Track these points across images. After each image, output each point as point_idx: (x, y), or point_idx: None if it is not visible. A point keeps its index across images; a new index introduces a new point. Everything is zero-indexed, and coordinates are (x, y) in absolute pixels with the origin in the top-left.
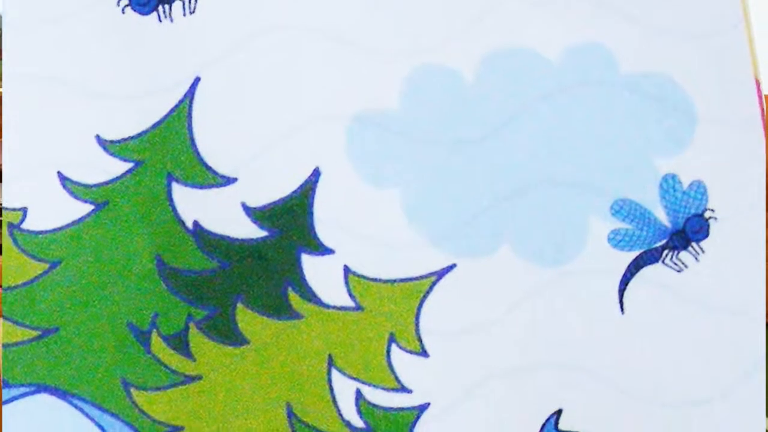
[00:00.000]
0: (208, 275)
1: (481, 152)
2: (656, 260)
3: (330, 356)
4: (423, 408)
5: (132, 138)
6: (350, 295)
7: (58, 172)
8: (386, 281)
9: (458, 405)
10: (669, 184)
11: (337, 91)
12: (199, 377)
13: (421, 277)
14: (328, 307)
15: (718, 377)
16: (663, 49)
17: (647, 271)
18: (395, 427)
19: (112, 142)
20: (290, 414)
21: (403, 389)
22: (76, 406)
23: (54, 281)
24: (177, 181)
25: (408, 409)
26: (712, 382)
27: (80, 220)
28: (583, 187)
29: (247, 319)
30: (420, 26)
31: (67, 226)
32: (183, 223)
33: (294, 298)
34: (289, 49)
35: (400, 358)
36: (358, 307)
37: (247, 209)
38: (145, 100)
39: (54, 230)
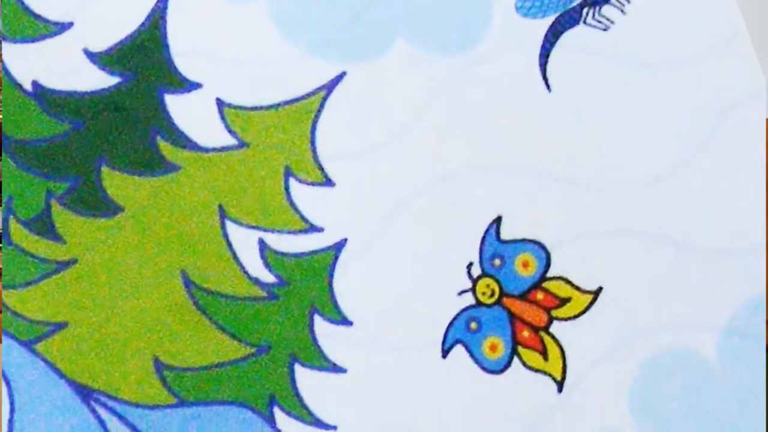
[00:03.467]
0: (60, 141)
1: None
2: (576, 22)
3: (221, 207)
4: (340, 246)
5: None
6: (230, 131)
7: None
8: (269, 107)
9: (380, 235)
10: None
11: None
12: (73, 261)
13: (309, 95)
14: (207, 150)
15: (674, 151)
16: None
17: (568, 37)
18: (312, 273)
19: None
20: (187, 283)
21: (313, 228)
22: None
23: None
24: (4, 38)
25: (323, 250)
26: (665, 157)
27: None
28: None
29: (115, 183)
30: None
31: None
32: (20, 86)
33: (165, 147)
34: None
35: (302, 193)
36: (242, 144)
37: (91, 55)
38: None
39: None
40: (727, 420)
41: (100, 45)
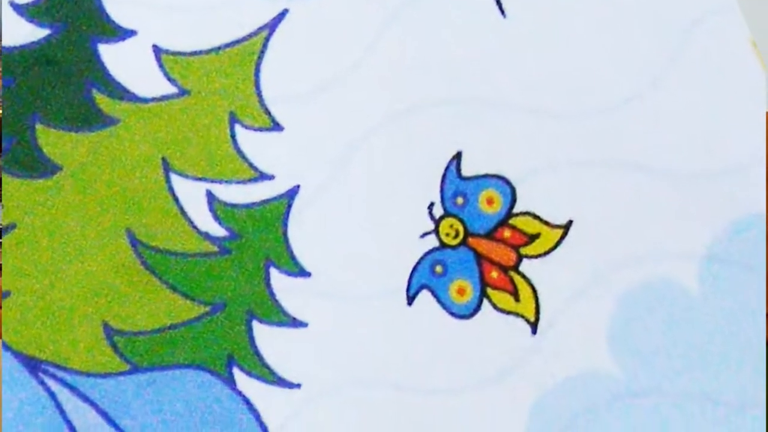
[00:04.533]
0: None
1: None
2: None
3: (164, 160)
4: (292, 194)
5: None
6: (169, 79)
7: None
8: (209, 52)
9: (334, 179)
10: None
11: None
12: (12, 226)
13: (250, 36)
14: (146, 101)
15: (641, 72)
16: None
17: None
18: (265, 224)
19: None
20: (134, 242)
21: (263, 176)
22: None
23: None
24: None
25: (274, 199)
26: (631, 78)
27: None
28: None
29: (51, 140)
30: None
31: None
32: None
33: (102, 100)
34: None
35: (249, 140)
36: (183, 92)
37: (17, 8)
38: None
39: None
40: (714, 352)
41: None
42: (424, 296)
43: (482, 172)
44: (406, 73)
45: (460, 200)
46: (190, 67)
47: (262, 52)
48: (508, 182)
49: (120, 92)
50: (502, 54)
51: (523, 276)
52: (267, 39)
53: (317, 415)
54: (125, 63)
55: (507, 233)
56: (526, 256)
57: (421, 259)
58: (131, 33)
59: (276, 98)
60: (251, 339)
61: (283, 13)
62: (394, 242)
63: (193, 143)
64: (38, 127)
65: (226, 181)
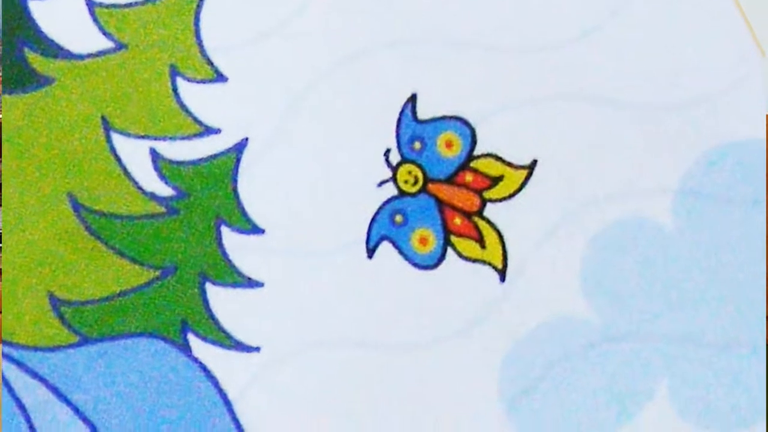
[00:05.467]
0: None
1: None
2: None
3: (104, 119)
4: (240, 147)
5: None
6: (105, 34)
7: None
8: (145, 2)
9: (283, 130)
10: None
11: None
12: None
13: None
14: (81, 57)
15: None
16: None
17: None
18: (213, 181)
19: None
20: (76, 206)
21: (209, 131)
22: None
23: None
24: None
25: (222, 154)
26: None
27: None
28: None
29: None
30: None
31: None
32: None
33: (35, 59)
34: None
35: (192, 93)
36: (120, 46)
37: None
38: None
39: None
40: (693, 291)
41: None
42: (385, 248)
43: (439, 114)
44: (352, 16)
45: (417, 145)
46: (126, 19)
47: (201, 0)
48: (467, 123)
49: (53, 50)
50: None
51: (488, 221)
52: None
53: (279, 379)
54: (57, 19)
55: (469, 177)
56: (490, 200)
57: (380, 209)
58: None
59: (218, 48)
60: (205, 302)
61: None
62: (350, 193)
63: (134, 100)
64: None
65: (171, 138)
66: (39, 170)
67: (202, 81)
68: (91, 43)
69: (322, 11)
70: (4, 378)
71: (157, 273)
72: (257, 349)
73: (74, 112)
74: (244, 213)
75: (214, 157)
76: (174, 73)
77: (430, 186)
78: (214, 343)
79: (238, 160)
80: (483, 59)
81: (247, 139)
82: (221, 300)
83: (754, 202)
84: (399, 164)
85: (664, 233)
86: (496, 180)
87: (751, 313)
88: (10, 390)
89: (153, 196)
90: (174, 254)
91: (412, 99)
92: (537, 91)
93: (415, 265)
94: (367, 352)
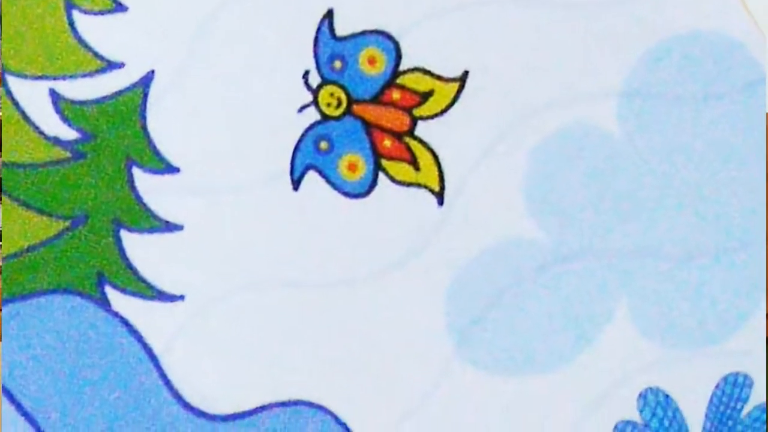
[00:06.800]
0: None
1: None
2: None
3: None
4: (147, 81)
5: None
6: None
7: None
8: None
9: (192, 59)
10: None
11: None
12: None
13: None
14: None
15: None
16: None
17: None
18: (120, 119)
19: None
20: None
21: (112, 66)
22: None
23: None
24: None
25: (127, 89)
26: None
27: None
28: None
29: None
30: None
31: None
32: None
33: None
34: None
35: (90, 26)
36: None
37: None
38: None
39: None
40: (646, 200)
41: None
42: (312, 178)
43: (359, 29)
44: None
45: (338, 64)
46: None
47: None
48: (389, 37)
49: None
50: None
51: (421, 141)
52: None
53: (207, 328)
54: None
55: (396, 95)
56: (421, 118)
57: (303, 136)
58: None
59: None
60: (122, 251)
61: None
62: (269, 121)
63: (28, 38)
64: None
65: (71, 76)
66: None
67: (100, 12)
68: None
69: None
70: None
71: (67, 223)
72: (181, 297)
73: None
74: (156, 152)
75: (119, 93)
76: (69, 5)
77: (355, 107)
78: (134, 294)
79: (146, 95)
80: None
81: (153, 71)
82: (138, 248)
83: (705, 98)
84: (320, 86)
85: (610, 140)
86: (425, 96)
87: (711, 218)
88: None
89: (56, 141)
90: (84, 202)
91: (329, 15)
92: None
93: (345, 194)
94: (299, 292)
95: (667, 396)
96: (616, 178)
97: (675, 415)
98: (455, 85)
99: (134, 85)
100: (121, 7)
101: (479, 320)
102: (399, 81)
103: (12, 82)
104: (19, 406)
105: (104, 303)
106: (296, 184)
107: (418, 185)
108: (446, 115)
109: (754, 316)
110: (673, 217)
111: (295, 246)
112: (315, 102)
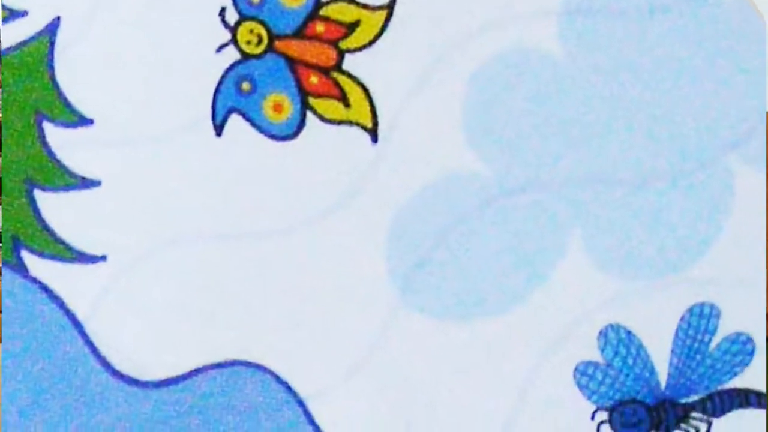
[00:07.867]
0: None
1: None
2: None
3: None
4: (53, 28)
5: None
6: None
7: None
8: None
9: (100, 3)
10: None
11: None
12: None
13: None
14: None
15: None
16: None
17: None
18: (27, 71)
19: None
20: None
21: (14, 14)
22: None
23: None
24: None
25: (32, 39)
26: None
27: None
28: None
29: None
30: None
31: None
32: None
33: None
34: None
35: None
36: None
37: None
38: None
39: None
40: (596, 123)
41: None
42: (235, 122)
43: None
44: None
45: None
46: None
47: None
48: None
49: None
50: None
51: (349, 75)
52: None
53: (132, 289)
54: None
55: (320, 27)
56: (348, 51)
57: (223, 77)
58: None
59: None
60: (36, 213)
61: None
62: (186, 64)
63: None
64: None
65: None
66: None
67: None
68: None
69: None
70: None
71: None
72: (103, 258)
73: None
74: (67, 104)
75: (24, 43)
76: None
77: (277, 43)
78: (52, 258)
79: (52, 44)
80: None
81: (59, 18)
82: (54, 207)
83: (651, 11)
84: (238, 23)
85: (552, 62)
86: (351, 26)
87: (665, 139)
88: None
89: None
90: None
91: None
92: None
93: (272, 136)
94: (229, 244)
95: (629, 332)
96: (561, 103)
97: (639, 352)
98: (383, 14)
99: (39, 34)
100: None
101: (423, 263)
102: (322, 12)
103: None
104: None
105: (21, 269)
106: (219, 129)
107: (350, 123)
108: (375, 46)
109: (717, 241)
110: (625, 140)
111: (221, 196)
112: (234, 40)
